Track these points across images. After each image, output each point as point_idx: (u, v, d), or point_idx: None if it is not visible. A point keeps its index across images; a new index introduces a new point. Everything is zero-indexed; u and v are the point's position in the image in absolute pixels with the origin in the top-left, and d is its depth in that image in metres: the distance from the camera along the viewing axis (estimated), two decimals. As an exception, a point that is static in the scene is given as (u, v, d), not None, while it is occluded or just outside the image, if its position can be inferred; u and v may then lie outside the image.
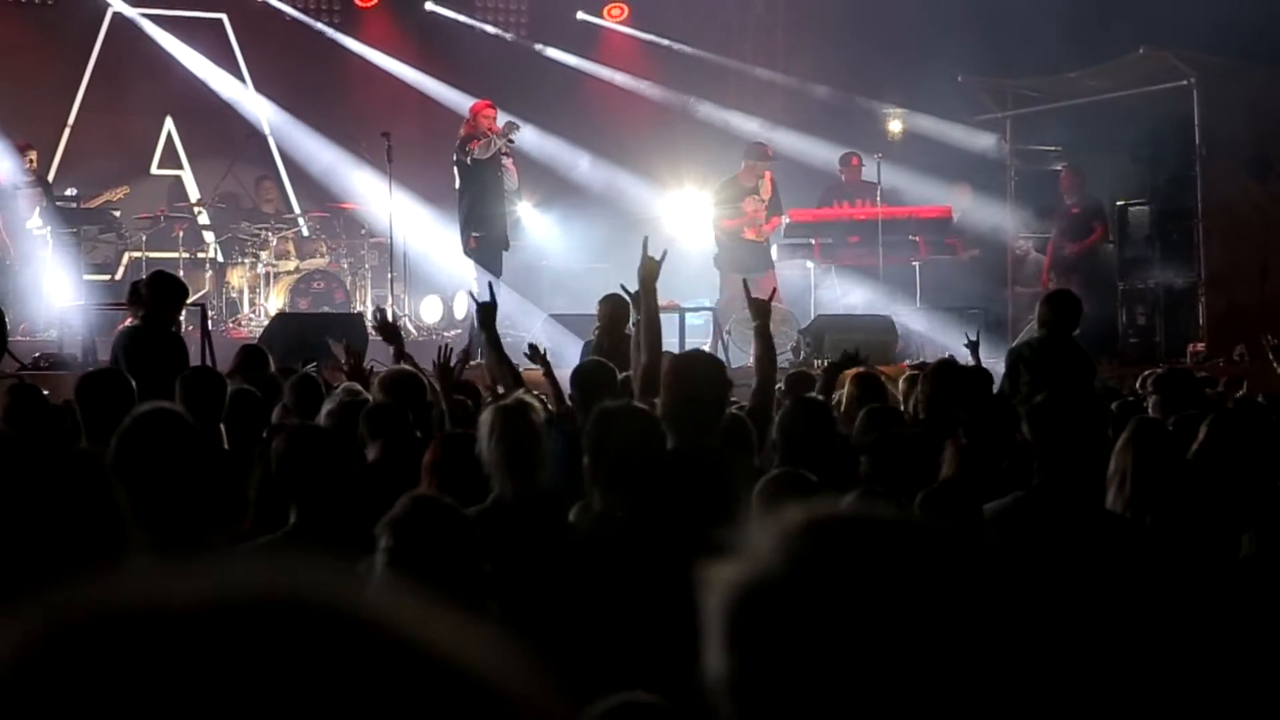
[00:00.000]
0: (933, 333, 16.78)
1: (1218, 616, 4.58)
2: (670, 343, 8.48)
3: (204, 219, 19.20)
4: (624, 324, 10.40)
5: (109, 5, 19.87)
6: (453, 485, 5.23)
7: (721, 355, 13.44)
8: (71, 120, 19.71)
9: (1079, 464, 5.07)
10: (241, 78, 20.31)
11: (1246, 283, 16.81)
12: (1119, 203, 18.54)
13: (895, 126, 20.51)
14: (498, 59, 20.80)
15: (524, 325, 16.10)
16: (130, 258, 18.25)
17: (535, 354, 8.55)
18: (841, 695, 1.34)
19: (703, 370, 6.10)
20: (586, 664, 3.72)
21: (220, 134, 19.83)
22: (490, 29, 21.50)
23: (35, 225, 16.91)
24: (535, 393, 7.53)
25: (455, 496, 4.62)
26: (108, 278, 17.78)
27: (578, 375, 7.63)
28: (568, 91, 20.77)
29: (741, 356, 15.42)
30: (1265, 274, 16.76)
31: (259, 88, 20.24)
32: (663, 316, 10.87)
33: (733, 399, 6.95)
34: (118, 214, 18.11)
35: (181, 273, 16.64)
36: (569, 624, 4.44)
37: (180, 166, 20.24)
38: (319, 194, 19.82)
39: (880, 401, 7.84)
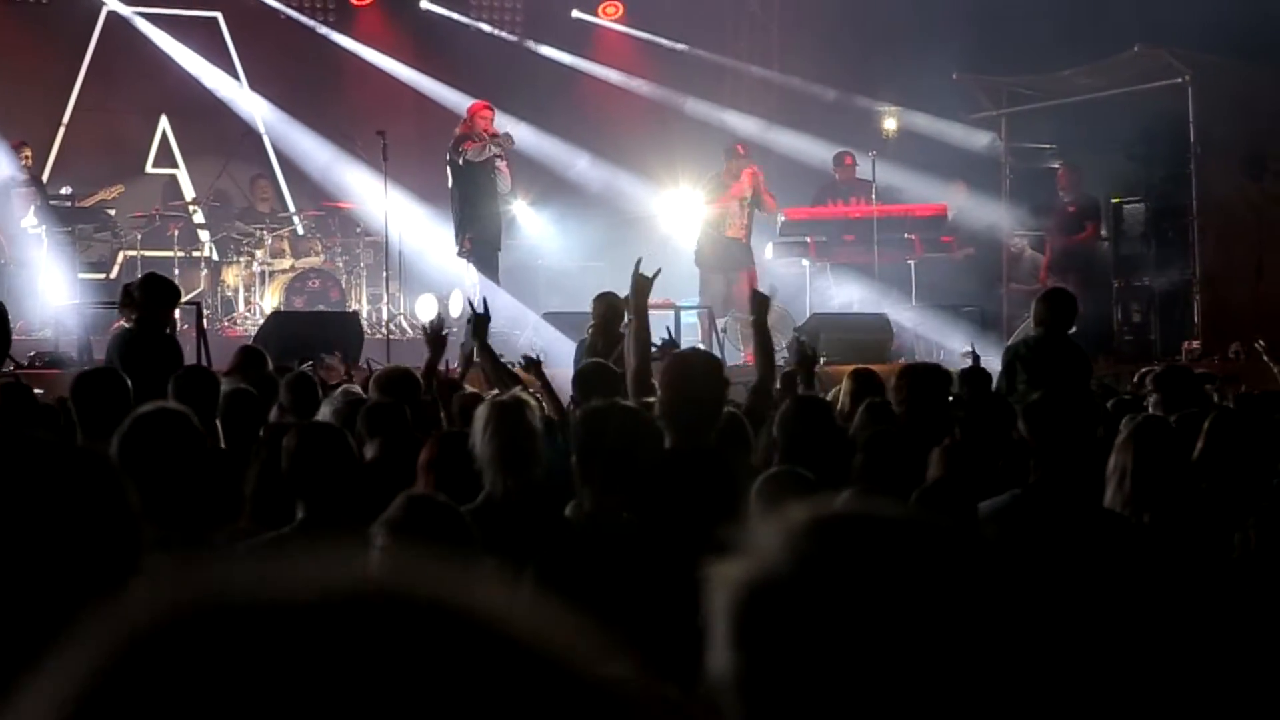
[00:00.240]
0: (928, 331, 16.80)
1: (1214, 615, 4.58)
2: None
3: (199, 218, 19.18)
4: (618, 323, 10.41)
5: (103, 4, 19.86)
6: (449, 483, 5.23)
7: (716, 353, 13.42)
8: (66, 119, 19.69)
9: (1076, 462, 5.07)
10: (236, 76, 20.30)
11: (1241, 280, 16.83)
12: (1114, 200, 18.56)
13: (890, 124, 20.52)
14: (493, 57, 20.80)
15: (519, 324, 16.10)
16: (125, 256, 18.24)
17: (530, 365, 8.56)
18: (847, 691, 1.34)
19: (700, 369, 6.11)
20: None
21: (215, 132, 19.81)
22: (485, 27, 21.49)
23: (30, 224, 16.90)
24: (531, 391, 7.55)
25: (452, 495, 4.62)
26: (102, 276, 17.75)
27: (580, 378, 7.62)
28: (563, 90, 20.76)
29: (736, 354, 15.45)
30: (1260, 272, 16.79)
31: (254, 86, 20.22)
32: (657, 315, 10.93)
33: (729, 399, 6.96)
34: (112, 213, 18.09)
35: (176, 272, 16.67)
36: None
37: (175, 165, 20.23)
38: (314, 192, 19.81)
39: (878, 396, 7.83)
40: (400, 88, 20.46)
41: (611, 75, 21.37)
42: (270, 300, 17.77)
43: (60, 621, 1.58)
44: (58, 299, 15.98)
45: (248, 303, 18.04)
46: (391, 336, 16.44)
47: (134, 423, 4.49)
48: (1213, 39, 16.79)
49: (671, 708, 1.14)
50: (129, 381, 6.68)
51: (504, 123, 17.03)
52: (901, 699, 1.34)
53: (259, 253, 18.14)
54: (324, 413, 7.44)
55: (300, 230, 18.98)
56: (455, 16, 21.23)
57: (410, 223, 18.22)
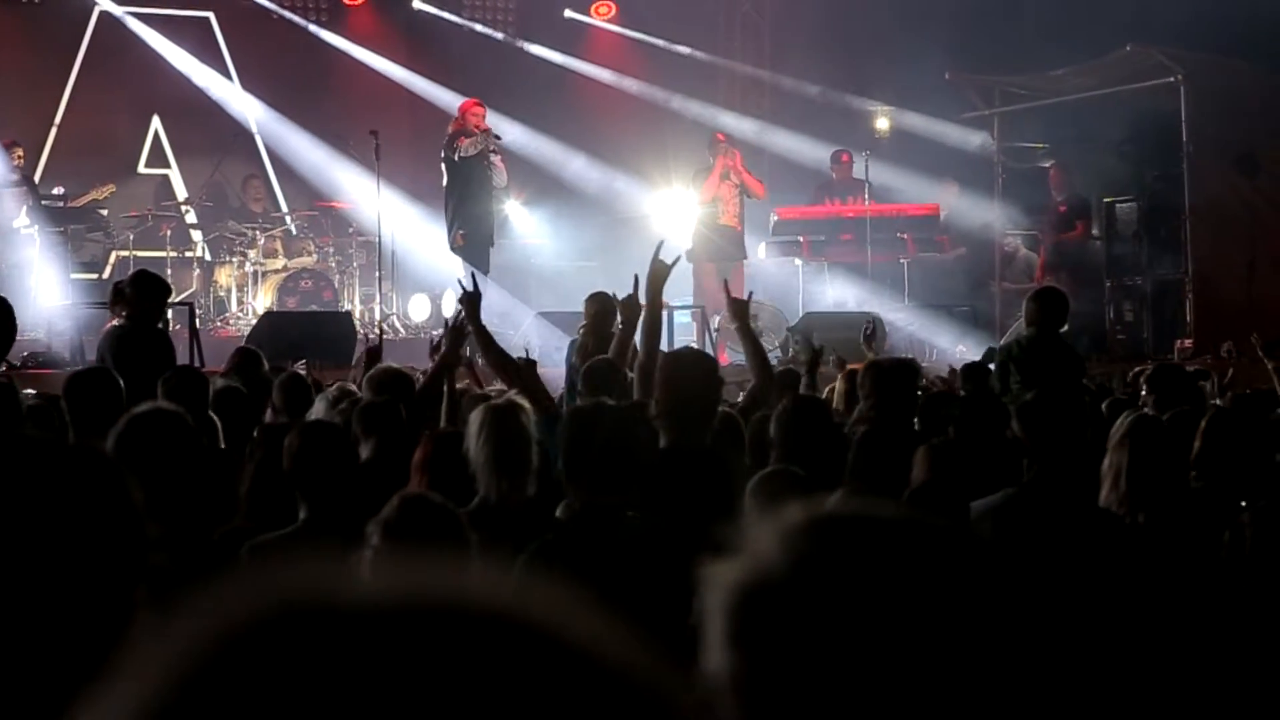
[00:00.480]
0: (920, 330, 16.81)
1: (1209, 614, 4.59)
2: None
3: (191, 218, 19.16)
4: (610, 323, 10.38)
5: (95, 4, 19.83)
6: (443, 483, 5.22)
7: (710, 352, 13.41)
8: (58, 119, 19.66)
9: (1070, 461, 5.07)
10: (229, 76, 20.28)
11: (1234, 279, 16.85)
12: (1106, 200, 18.58)
13: (883, 124, 20.52)
14: (485, 57, 20.79)
15: (513, 323, 16.10)
16: (117, 256, 18.21)
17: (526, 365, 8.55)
18: (843, 691, 1.34)
19: (695, 368, 6.11)
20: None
21: (207, 132, 19.79)
22: (478, 27, 21.48)
23: (22, 224, 16.87)
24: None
25: (446, 495, 4.62)
26: (95, 276, 17.71)
27: (589, 374, 7.60)
28: (555, 89, 20.75)
29: (731, 354, 15.44)
30: (1252, 270, 16.80)
31: (246, 86, 20.21)
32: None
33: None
34: (105, 213, 18.07)
35: (169, 272, 16.64)
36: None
37: (167, 165, 20.20)
38: (307, 192, 19.80)
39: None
40: (393, 87, 20.45)
41: (604, 75, 21.36)
42: (263, 300, 17.76)
43: (67, 620, 1.58)
44: (50, 299, 15.96)
45: (240, 303, 18.02)
46: (384, 336, 16.42)
47: (129, 423, 4.49)
48: (1204, 38, 16.82)
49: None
50: (121, 380, 6.67)
51: (496, 122, 17.02)
52: (897, 698, 1.34)
53: (251, 253, 18.13)
54: (318, 409, 7.43)
55: (293, 230, 18.96)
56: (447, 16, 21.22)
57: (403, 223, 18.21)
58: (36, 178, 18.25)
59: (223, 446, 6.87)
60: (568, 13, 21.66)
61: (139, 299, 9.80)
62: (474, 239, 16.21)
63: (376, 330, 15.79)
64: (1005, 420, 6.13)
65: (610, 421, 4.90)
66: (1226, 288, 16.95)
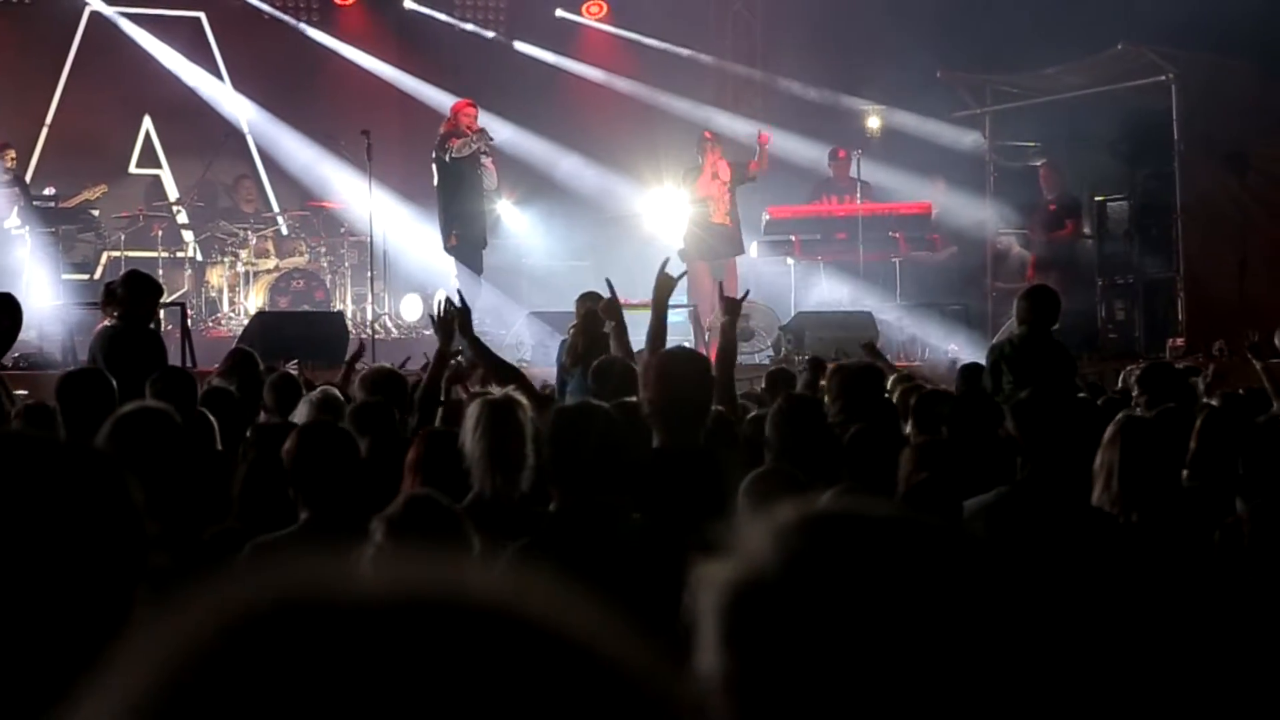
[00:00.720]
0: (913, 328, 16.82)
1: (1201, 614, 4.59)
2: (643, 343, 8.46)
3: (183, 218, 19.14)
4: (599, 324, 10.39)
5: (86, 4, 19.82)
6: (436, 482, 5.22)
7: (704, 352, 13.41)
8: (49, 119, 19.64)
9: (1064, 459, 5.07)
10: (220, 76, 20.27)
11: (1225, 278, 16.86)
12: (1098, 198, 18.60)
13: (874, 123, 20.53)
14: (477, 56, 20.79)
15: (505, 322, 16.10)
16: (109, 257, 18.20)
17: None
18: (839, 690, 1.34)
19: (687, 368, 6.10)
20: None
21: (199, 133, 19.77)
22: (469, 26, 21.47)
23: (13, 225, 16.86)
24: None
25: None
26: (86, 277, 17.72)
27: (600, 370, 7.60)
28: (547, 89, 20.74)
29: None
30: (1244, 269, 16.81)
31: (237, 86, 20.19)
32: (642, 315, 10.90)
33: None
34: (96, 213, 18.06)
35: (160, 272, 16.62)
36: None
37: (159, 165, 20.19)
38: (298, 192, 19.79)
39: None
40: (384, 87, 20.44)
41: (595, 74, 21.36)
42: (255, 300, 17.75)
43: (68, 619, 1.58)
44: (42, 300, 15.93)
45: (232, 303, 18.01)
46: (376, 336, 16.42)
47: (116, 422, 4.49)
48: (1196, 37, 16.83)
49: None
50: (114, 381, 6.67)
51: (487, 122, 17.02)
52: (891, 697, 1.34)
53: (243, 253, 18.12)
54: (301, 412, 7.43)
55: (284, 230, 18.96)
56: (438, 16, 21.21)
57: (394, 222, 18.20)
58: (28, 178, 18.22)
59: (219, 448, 6.87)
60: (559, 12, 21.66)
61: (131, 299, 9.79)
62: (467, 239, 16.21)
63: (366, 333, 15.81)
64: (998, 419, 6.13)
65: (595, 421, 4.89)
66: (1218, 286, 16.96)
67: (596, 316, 10.38)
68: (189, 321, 15.04)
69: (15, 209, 16.93)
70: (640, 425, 5.96)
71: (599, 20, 21.81)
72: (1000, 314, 17.27)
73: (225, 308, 18.02)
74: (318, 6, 20.98)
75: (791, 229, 18.29)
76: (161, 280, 12.90)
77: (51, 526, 1.63)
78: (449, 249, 16.31)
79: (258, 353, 9.68)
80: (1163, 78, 17.46)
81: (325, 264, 18.44)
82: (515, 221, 19.39)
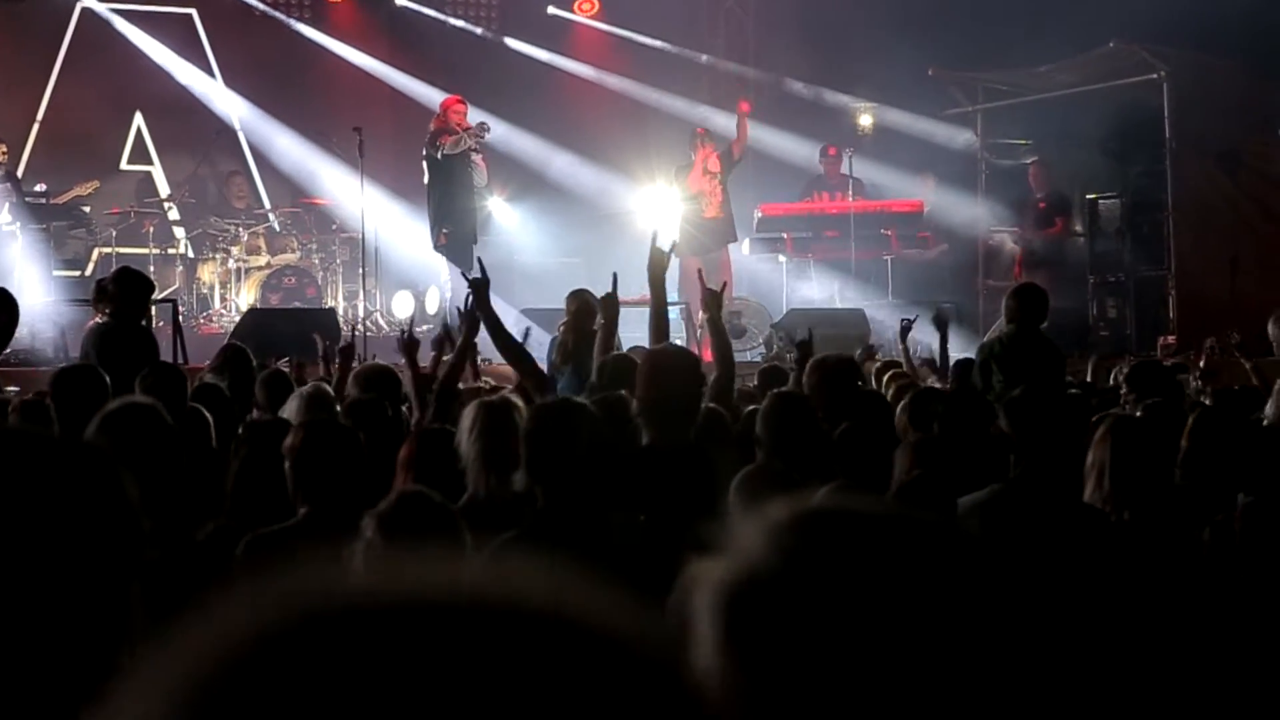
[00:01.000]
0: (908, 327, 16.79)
1: (1194, 612, 4.60)
2: (643, 338, 8.47)
3: (174, 215, 19.12)
4: (591, 320, 10.38)
5: (77, 0, 19.79)
6: (428, 481, 5.21)
7: (696, 350, 13.40)
8: (40, 115, 19.61)
9: (1057, 457, 5.07)
10: (211, 73, 20.25)
11: (1217, 275, 16.88)
12: (1089, 196, 18.62)
13: (866, 121, 20.54)
14: (468, 53, 20.78)
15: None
16: (100, 253, 18.18)
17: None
18: (839, 686, 1.34)
19: (676, 365, 6.10)
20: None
21: (190, 129, 19.75)
22: (461, 23, 21.46)
23: (4, 221, 16.83)
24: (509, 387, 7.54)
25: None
26: (78, 273, 17.69)
27: (605, 367, 7.60)
28: (538, 86, 20.73)
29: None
30: (1235, 266, 16.83)
31: (229, 83, 20.18)
32: (637, 311, 10.91)
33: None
34: (87, 210, 18.03)
35: (152, 269, 16.62)
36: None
37: (150, 162, 20.16)
38: (290, 189, 19.78)
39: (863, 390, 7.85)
40: (376, 84, 20.43)
41: (587, 71, 21.35)
42: (246, 297, 17.73)
43: (65, 617, 1.58)
44: (33, 296, 15.91)
45: (223, 300, 18.00)
46: (368, 333, 16.41)
47: (104, 418, 4.48)
48: (1187, 35, 16.85)
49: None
50: (107, 377, 6.67)
51: (478, 118, 17.00)
52: (891, 693, 1.34)
53: (235, 249, 18.11)
54: (291, 407, 7.42)
55: (276, 227, 18.94)
56: (430, 12, 21.20)
57: (386, 219, 18.19)
58: (19, 174, 18.19)
59: (214, 446, 6.86)
60: (551, 9, 21.65)
61: (122, 297, 9.77)
62: (457, 237, 16.19)
63: (355, 329, 15.79)
64: (990, 416, 6.13)
65: (574, 418, 4.89)
66: (1209, 284, 16.98)
67: (587, 314, 10.38)
68: (180, 318, 15.02)
69: (6, 205, 16.90)
70: (625, 420, 5.96)
71: (591, 17, 21.81)
72: (992, 312, 17.26)
73: (217, 304, 18.01)
74: (309, 3, 20.96)
75: (784, 226, 18.30)
76: (153, 277, 12.90)
77: (47, 523, 1.62)
78: (438, 247, 16.30)
79: (250, 349, 9.67)
80: (1154, 76, 17.48)
81: (317, 261, 18.43)
82: (506, 218, 19.38)
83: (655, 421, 5.91)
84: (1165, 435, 5.68)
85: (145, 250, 17.83)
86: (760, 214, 18.39)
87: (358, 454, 5.15)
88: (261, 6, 20.50)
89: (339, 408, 7.09)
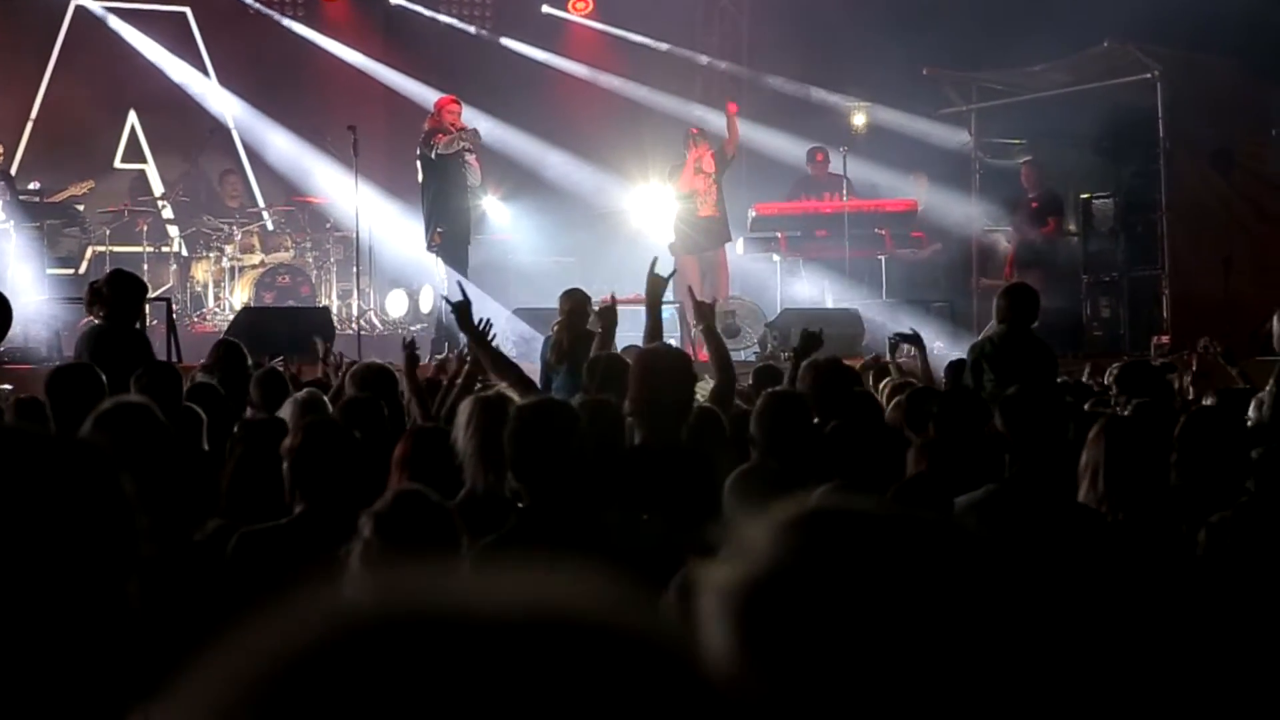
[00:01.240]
0: (899, 326, 16.80)
1: (1190, 613, 4.60)
2: (638, 338, 8.47)
3: (168, 213, 19.10)
4: (584, 319, 10.39)
5: (71, -2, 19.80)
6: (423, 479, 5.21)
7: (690, 350, 13.40)
8: (34, 114, 19.60)
9: (1052, 456, 5.08)
10: (205, 71, 20.23)
11: (1210, 275, 16.89)
12: (1083, 196, 18.63)
13: (859, 120, 20.54)
14: (462, 52, 20.78)
15: (491, 320, 16.04)
16: (94, 252, 18.16)
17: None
18: (853, 680, 1.35)
19: (669, 365, 6.10)
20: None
21: (184, 128, 19.73)
22: (455, 22, 21.45)
23: (-2, 219, 16.83)
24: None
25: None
26: (71, 272, 17.68)
27: (594, 366, 7.61)
28: (533, 85, 20.73)
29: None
30: (1229, 266, 16.84)
31: (223, 81, 20.16)
32: (631, 310, 10.92)
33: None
34: (81, 208, 18.00)
35: (145, 267, 16.62)
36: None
37: (144, 160, 20.15)
38: (284, 188, 19.76)
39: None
40: (369, 82, 20.42)
41: (581, 70, 21.35)
42: (240, 296, 17.72)
43: (63, 614, 1.58)
44: (26, 295, 15.89)
45: (217, 298, 17.99)
46: (362, 332, 16.41)
47: (97, 418, 4.48)
48: (1181, 34, 16.86)
49: None
50: (103, 376, 6.67)
51: (473, 118, 17.01)
52: (902, 687, 1.36)
53: (228, 248, 18.09)
54: (287, 411, 7.41)
55: (270, 225, 18.93)
56: (425, 11, 21.20)
57: (380, 218, 18.18)
58: (12, 172, 18.17)
59: (206, 448, 6.86)
60: (545, 8, 21.66)
61: (116, 299, 9.75)
62: (451, 236, 16.19)
63: (351, 328, 15.80)
64: (985, 416, 6.14)
65: (557, 418, 4.89)
66: (1203, 283, 16.99)
67: (581, 314, 10.39)
68: (174, 317, 15.02)
69: (0, 203, 16.88)
70: (611, 421, 5.96)
71: (585, 16, 21.81)
72: (985, 311, 17.28)
73: (210, 303, 18.00)
74: (303, 1, 20.95)
75: (778, 226, 18.30)
76: (146, 275, 12.89)
77: (44, 520, 1.62)
78: (431, 247, 16.29)
79: (245, 347, 9.67)
80: (1148, 75, 17.49)
81: (310, 259, 18.41)
82: (500, 217, 19.37)
83: (647, 421, 5.91)
84: (1159, 436, 5.68)
85: (139, 249, 17.82)
86: (754, 213, 18.39)
87: (355, 455, 5.15)
88: (255, 5, 20.49)
89: (333, 407, 7.09)
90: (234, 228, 18.25)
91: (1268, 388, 8.07)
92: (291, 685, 0.86)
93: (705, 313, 7.63)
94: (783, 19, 21.32)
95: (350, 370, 8.37)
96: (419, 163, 16.35)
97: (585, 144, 20.21)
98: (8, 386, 10.85)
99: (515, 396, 5.70)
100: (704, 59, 22.00)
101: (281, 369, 9.79)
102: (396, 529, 3.98)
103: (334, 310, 17.40)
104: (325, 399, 7.69)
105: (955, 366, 10.58)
